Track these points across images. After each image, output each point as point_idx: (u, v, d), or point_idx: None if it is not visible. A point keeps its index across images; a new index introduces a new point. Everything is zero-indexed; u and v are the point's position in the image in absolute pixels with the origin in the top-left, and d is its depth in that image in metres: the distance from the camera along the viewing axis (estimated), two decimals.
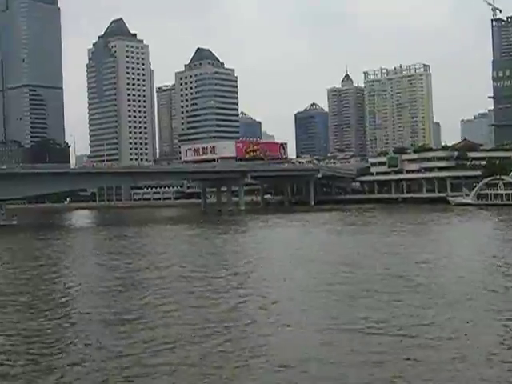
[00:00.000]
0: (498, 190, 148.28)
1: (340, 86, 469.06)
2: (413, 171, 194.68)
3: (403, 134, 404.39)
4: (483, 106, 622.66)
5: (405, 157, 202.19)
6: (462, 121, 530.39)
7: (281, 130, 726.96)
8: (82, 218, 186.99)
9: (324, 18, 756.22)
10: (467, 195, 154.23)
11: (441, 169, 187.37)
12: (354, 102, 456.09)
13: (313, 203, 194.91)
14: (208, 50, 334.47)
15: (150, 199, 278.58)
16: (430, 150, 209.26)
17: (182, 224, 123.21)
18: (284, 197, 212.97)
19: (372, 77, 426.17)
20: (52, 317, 32.37)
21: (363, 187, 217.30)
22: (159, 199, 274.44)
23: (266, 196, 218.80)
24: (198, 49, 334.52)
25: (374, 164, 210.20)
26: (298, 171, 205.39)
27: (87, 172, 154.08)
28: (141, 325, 29.72)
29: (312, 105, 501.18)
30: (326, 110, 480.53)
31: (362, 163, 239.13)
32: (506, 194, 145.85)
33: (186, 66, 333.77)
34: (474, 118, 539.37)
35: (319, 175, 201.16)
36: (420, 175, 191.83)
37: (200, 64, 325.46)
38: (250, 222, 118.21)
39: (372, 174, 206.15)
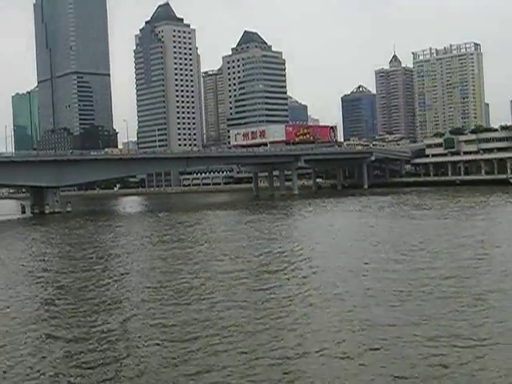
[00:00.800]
0: None
1: (388, 67, 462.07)
2: (470, 152, 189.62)
3: (454, 116, 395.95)
4: None
5: (462, 138, 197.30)
6: None
7: (326, 113, 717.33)
8: (134, 204, 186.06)
9: None
10: None
11: (500, 149, 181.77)
12: (402, 83, 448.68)
13: (366, 186, 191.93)
14: (255, 33, 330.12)
15: (199, 185, 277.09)
16: (489, 130, 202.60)
17: (238, 209, 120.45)
18: (337, 180, 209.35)
19: (421, 57, 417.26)
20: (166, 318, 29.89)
21: (416, 169, 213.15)
22: (209, 184, 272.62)
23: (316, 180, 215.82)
24: (246, 32, 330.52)
25: (429, 146, 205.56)
26: (352, 154, 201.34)
27: (142, 158, 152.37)
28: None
29: (359, 87, 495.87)
30: (373, 92, 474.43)
31: (416, 145, 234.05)
32: None
33: (233, 49, 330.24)
34: None
35: (373, 158, 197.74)
36: (478, 156, 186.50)
37: (247, 47, 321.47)
38: (309, 207, 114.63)
39: (427, 156, 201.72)
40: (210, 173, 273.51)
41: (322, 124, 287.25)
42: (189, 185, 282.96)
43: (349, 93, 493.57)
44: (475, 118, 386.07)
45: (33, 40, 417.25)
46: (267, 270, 41.47)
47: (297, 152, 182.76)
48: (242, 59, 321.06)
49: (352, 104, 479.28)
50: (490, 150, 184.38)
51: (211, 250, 55.13)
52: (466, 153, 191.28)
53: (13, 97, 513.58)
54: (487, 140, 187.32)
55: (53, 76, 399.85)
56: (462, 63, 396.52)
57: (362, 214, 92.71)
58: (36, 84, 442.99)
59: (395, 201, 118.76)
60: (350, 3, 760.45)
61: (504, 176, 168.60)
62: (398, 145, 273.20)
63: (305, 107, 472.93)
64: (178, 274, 41.86)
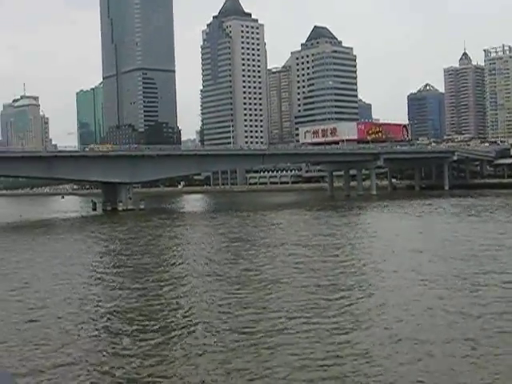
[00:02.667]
0: None
1: (458, 65, 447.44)
2: None
3: None
4: None
5: None
6: None
7: (388, 112, 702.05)
8: (203, 202, 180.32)
9: None
10: None
11: None
12: (472, 81, 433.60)
13: (447, 188, 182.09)
14: (325, 28, 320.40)
15: (266, 183, 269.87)
16: None
17: (322, 211, 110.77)
18: (414, 181, 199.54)
19: (493, 54, 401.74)
20: None
21: (495, 171, 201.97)
22: (276, 183, 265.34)
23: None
24: (315, 27, 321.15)
25: None
26: (434, 153, 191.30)
27: (217, 154, 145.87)
28: None
29: (426, 86, 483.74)
30: (440, 90, 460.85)
31: (499, 145, 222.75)
32: None
33: (302, 45, 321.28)
34: None
35: (455, 158, 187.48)
36: None
37: (317, 43, 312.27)
38: (404, 208, 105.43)
39: None
40: (277, 171, 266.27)
41: (393, 122, 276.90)
42: (255, 183, 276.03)
43: (415, 91, 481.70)
44: None
45: (98, 36, 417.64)
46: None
47: (376, 150, 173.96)
48: (312, 55, 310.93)
49: (418, 103, 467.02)
50: None
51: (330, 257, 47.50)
52: None
53: (77, 93, 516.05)
54: None
55: (118, 72, 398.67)
56: None
57: (480, 219, 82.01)
58: (100, 81, 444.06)
59: (495, 204, 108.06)
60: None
61: None
62: (468, 145, 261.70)
63: (369, 106, 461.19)
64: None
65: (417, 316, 27.54)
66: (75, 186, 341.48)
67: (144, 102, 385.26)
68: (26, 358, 23.34)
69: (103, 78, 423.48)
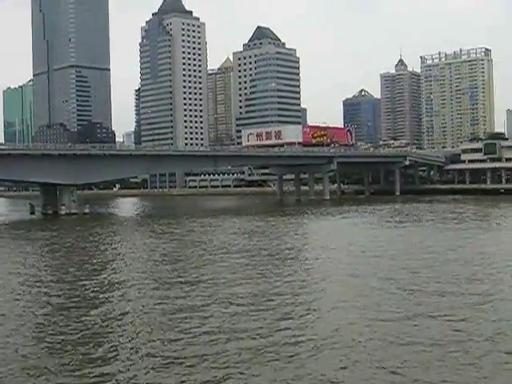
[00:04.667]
0: None
1: (394, 71, 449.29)
2: None
3: (462, 122, 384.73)
4: None
5: (504, 143, 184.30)
6: None
7: (322, 117, 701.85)
8: (144, 207, 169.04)
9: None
10: None
11: None
12: (408, 87, 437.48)
13: (398, 193, 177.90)
14: (268, 29, 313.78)
15: (207, 187, 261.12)
16: None
17: (281, 216, 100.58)
18: (364, 186, 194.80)
19: (429, 62, 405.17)
20: None
21: (440, 177, 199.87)
22: (217, 187, 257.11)
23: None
24: (258, 27, 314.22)
25: (465, 151, 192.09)
26: (387, 158, 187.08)
27: (168, 155, 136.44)
28: None
29: (361, 91, 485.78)
30: (376, 96, 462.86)
31: (449, 150, 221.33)
32: None
33: (244, 45, 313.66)
34: None
35: (406, 162, 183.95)
36: None
37: (260, 43, 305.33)
38: (362, 216, 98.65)
39: (463, 162, 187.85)
40: (218, 174, 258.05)
41: (338, 126, 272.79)
42: (195, 186, 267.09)
43: (350, 97, 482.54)
44: (484, 125, 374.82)
45: (29, 31, 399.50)
46: None
47: (330, 154, 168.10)
48: (255, 55, 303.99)
49: (353, 108, 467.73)
50: None
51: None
52: (508, 159, 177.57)
53: (4, 91, 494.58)
54: None
55: (49, 69, 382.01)
56: (471, 68, 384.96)
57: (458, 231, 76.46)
58: (29, 78, 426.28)
59: (456, 211, 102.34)
60: (354, 4, 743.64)
61: None
62: (406, 151, 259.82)
63: (304, 110, 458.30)
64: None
65: None
66: (1, 188, 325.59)
67: (77, 100, 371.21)
68: None
69: (33, 75, 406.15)
